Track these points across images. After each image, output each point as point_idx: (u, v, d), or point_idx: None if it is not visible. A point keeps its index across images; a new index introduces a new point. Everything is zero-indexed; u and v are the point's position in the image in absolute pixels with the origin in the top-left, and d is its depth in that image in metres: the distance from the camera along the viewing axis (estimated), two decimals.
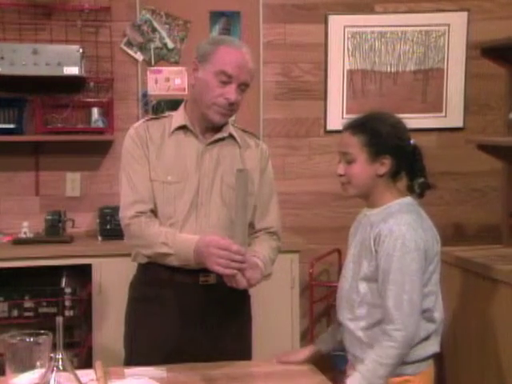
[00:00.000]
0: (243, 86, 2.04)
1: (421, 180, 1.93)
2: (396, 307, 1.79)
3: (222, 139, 2.12)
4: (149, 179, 2.07)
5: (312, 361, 2.03)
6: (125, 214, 2.07)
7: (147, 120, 2.16)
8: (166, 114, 2.20)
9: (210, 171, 2.08)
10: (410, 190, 1.95)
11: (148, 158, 2.08)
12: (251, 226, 2.16)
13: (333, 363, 3.07)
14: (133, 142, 2.10)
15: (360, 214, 2.01)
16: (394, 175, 1.91)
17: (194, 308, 2.08)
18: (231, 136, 2.14)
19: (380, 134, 1.87)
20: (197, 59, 2.06)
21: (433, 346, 1.89)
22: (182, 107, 2.15)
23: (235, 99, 2.02)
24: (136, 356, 2.11)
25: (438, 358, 1.96)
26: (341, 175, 1.93)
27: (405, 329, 1.78)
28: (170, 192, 2.06)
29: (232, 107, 2.05)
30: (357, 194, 1.94)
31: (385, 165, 1.88)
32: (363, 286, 1.87)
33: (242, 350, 2.14)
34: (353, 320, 1.90)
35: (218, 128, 2.11)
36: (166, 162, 2.08)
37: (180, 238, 1.99)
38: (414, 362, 1.86)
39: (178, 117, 2.13)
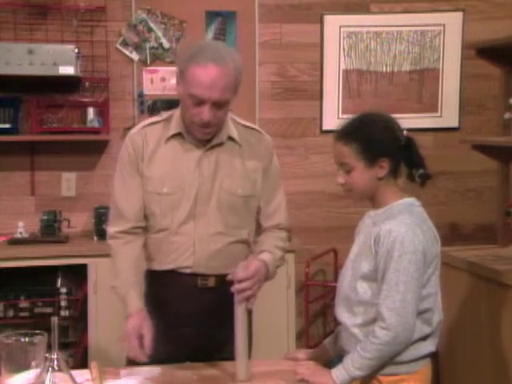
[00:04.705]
0: (219, 105, 1.97)
1: (420, 171, 1.93)
2: (388, 307, 1.80)
3: (221, 144, 2.09)
4: (138, 195, 2.07)
5: (320, 360, 2.05)
6: (108, 228, 2.14)
7: (146, 125, 2.12)
8: (169, 113, 2.13)
9: (209, 178, 2.06)
10: (411, 179, 1.95)
11: (141, 172, 2.06)
12: (258, 226, 2.17)
13: (331, 365, 3.07)
14: (127, 154, 2.09)
15: (366, 213, 2.01)
16: (394, 172, 1.91)
17: (193, 309, 2.09)
18: (230, 138, 2.10)
19: (373, 139, 1.87)
20: (177, 73, 2.02)
21: (428, 347, 1.89)
22: (179, 112, 2.09)
23: (209, 119, 1.97)
24: None
25: (433, 357, 1.96)
26: (342, 184, 1.93)
27: (393, 329, 1.79)
28: (167, 203, 2.05)
29: (209, 125, 2.00)
30: (361, 198, 1.95)
31: (383, 167, 1.88)
32: (362, 286, 1.87)
33: None
34: (349, 317, 1.90)
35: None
36: (162, 172, 2.06)
37: (124, 293, 2.01)
38: (408, 362, 1.86)
39: (174, 122, 2.09)
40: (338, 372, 1.85)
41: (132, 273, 2.04)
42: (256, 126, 2.22)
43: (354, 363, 1.83)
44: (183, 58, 2.02)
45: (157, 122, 2.12)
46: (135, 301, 2.00)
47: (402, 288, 1.79)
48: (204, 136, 2.04)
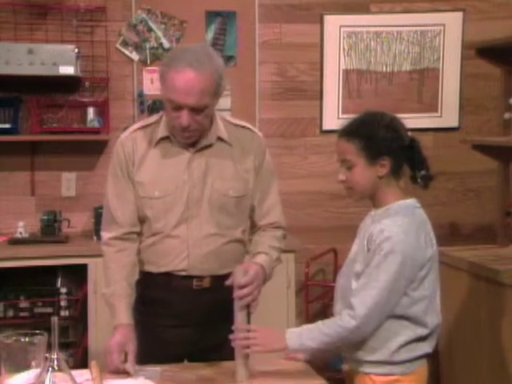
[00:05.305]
0: (197, 110, 1.93)
1: (422, 172, 1.94)
2: (360, 299, 1.81)
3: (210, 146, 2.07)
4: (130, 200, 2.07)
5: (319, 360, 2.05)
6: (102, 234, 2.16)
7: (136, 129, 2.10)
8: (159, 115, 2.11)
9: (199, 180, 2.05)
10: (413, 181, 1.95)
11: (132, 178, 2.06)
12: (253, 224, 2.17)
13: (328, 363, 3.08)
14: (118, 159, 2.08)
15: (369, 213, 2.01)
16: (395, 172, 1.92)
17: (189, 309, 2.09)
18: (220, 138, 2.08)
19: (375, 137, 1.88)
20: (159, 76, 2.00)
21: (424, 348, 1.89)
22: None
23: (187, 124, 1.95)
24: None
25: (432, 357, 1.96)
26: (343, 181, 1.94)
27: (359, 319, 1.80)
28: (159, 207, 2.05)
29: (188, 129, 1.97)
30: (362, 197, 1.96)
31: (385, 166, 1.89)
32: (355, 284, 1.88)
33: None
34: None
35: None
36: (153, 176, 2.05)
37: (113, 304, 2.05)
38: (403, 362, 1.86)
39: (162, 125, 2.07)
40: (292, 335, 1.86)
41: (123, 284, 2.05)
42: (247, 124, 2.18)
43: (309, 333, 1.85)
44: (164, 61, 2.01)
45: (146, 126, 2.11)
46: (123, 314, 2.01)
47: (378, 285, 1.80)
48: (185, 140, 2.03)
